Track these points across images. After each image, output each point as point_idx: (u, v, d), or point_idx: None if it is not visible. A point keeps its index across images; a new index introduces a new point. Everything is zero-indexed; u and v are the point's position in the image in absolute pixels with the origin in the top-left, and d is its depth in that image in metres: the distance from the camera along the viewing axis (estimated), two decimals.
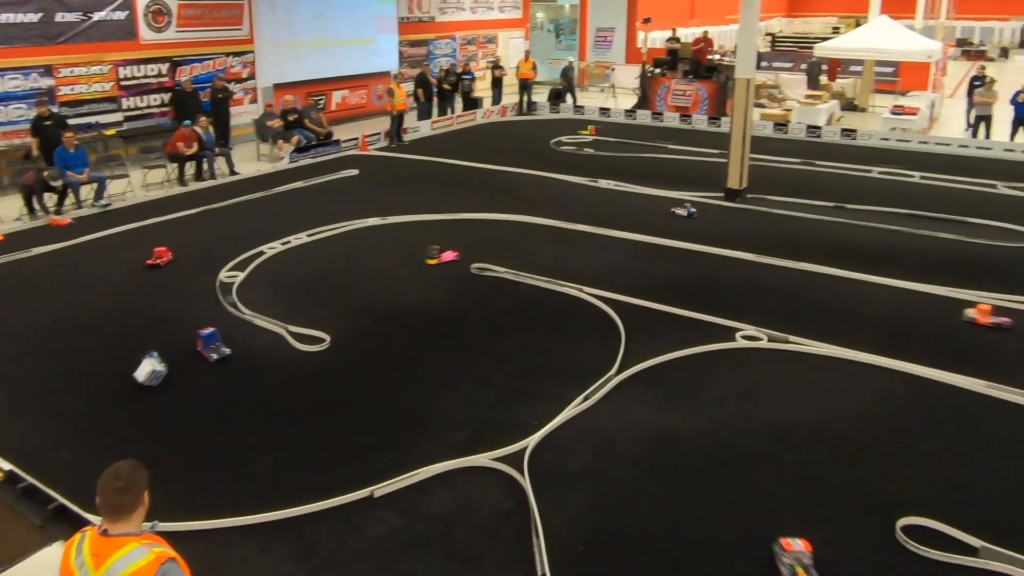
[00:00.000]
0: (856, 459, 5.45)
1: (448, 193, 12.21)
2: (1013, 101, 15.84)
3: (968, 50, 38.72)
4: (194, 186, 12.69)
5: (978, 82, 16.68)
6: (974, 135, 16.37)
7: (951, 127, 18.26)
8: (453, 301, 8.08)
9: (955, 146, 15.82)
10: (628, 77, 23.78)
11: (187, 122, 12.96)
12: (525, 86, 20.11)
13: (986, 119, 16.29)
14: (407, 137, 16.36)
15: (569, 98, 20.73)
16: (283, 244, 9.70)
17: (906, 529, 4.68)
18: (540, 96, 21.12)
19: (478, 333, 7.37)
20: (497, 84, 20.45)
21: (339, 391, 6.32)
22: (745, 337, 7.21)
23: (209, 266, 8.87)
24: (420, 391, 6.30)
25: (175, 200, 11.86)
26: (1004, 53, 38.97)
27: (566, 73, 21.41)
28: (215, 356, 6.76)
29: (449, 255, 9.18)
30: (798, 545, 4.41)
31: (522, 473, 5.15)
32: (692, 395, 6.27)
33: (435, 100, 18.29)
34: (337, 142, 15.16)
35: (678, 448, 5.54)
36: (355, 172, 13.58)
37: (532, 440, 5.52)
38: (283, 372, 6.60)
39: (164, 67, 14.68)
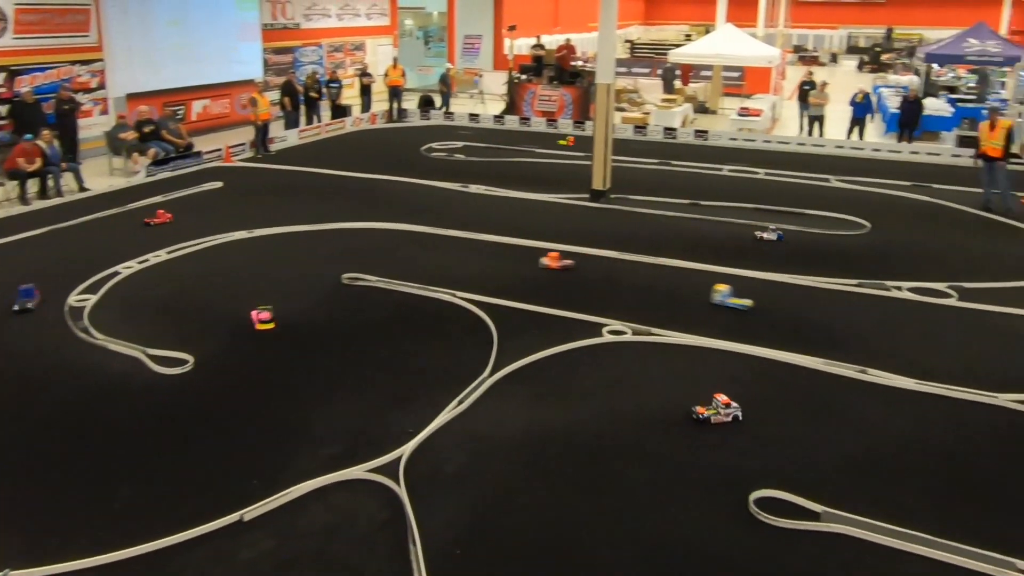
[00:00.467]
0: (712, 440, 5.74)
1: (318, 203, 11.91)
2: (852, 103, 17.18)
3: (804, 55, 41.73)
4: (38, 204, 11.74)
5: (808, 86, 17.99)
6: (809, 134, 17.63)
7: (791, 127, 19.61)
8: (324, 313, 7.88)
9: (794, 144, 17.02)
10: (496, 83, 24.03)
11: (28, 136, 11.97)
12: (395, 93, 19.92)
13: (819, 119, 17.60)
14: (273, 147, 15.83)
15: (440, 103, 20.71)
16: (140, 263, 9.14)
17: (758, 501, 4.97)
18: (410, 103, 20.98)
19: (351, 344, 7.22)
20: (366, 92, 20.15)
21: (204, 413, 6.02)
22: (611, 332, 7.44)
23: (57, 290, 8.22)
24: (291, 407, 6.10)
25: (16, 220, 10.92)
26: (834, 58, 42.29)
27: (444, 79, 21.39)
28: (16, 308, 7.25)
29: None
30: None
31: (397, 482, 5.09)
32: (563, 391, 6.41)
33: (302, 109, 17.78)
34: (198, 154, 14.45)
35: (551, 444, 5.64)
36: (219, 185, 12.99)
37: (407, 448, 5.47)
38: (142, 398, 6.21)
39: (0, 77, 13.50)
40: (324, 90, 18.50)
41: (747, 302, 8.19)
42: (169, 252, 9.52)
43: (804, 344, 7.23)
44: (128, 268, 8.97)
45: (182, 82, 17.16)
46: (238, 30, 18.64)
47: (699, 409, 5.99)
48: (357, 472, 5.21)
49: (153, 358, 6.78)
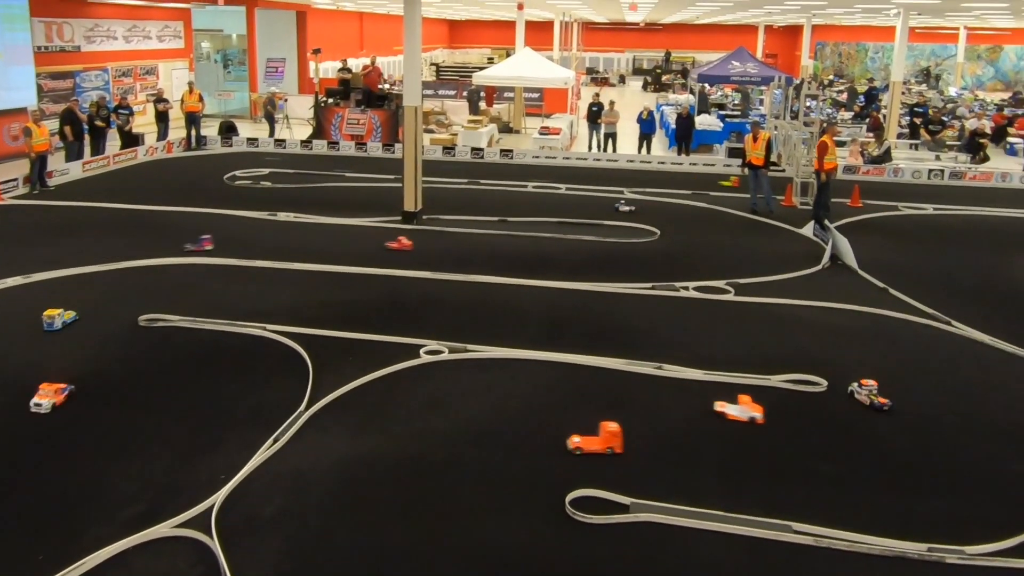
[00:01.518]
0: (528, 447, 5.89)
1: (109, 241, 10.88)
2: (639, 120, 18.46)
3: (595, 77, 44.41)
4: None
5: (596, 107, 19.08)
6: (603, 150, 18.74)
7: (587, 144, 20.73)
8: (118, 360, 7.19)
9: (590, 160, 18.02)
10: (302, 107, 23.31)
11: None
12: (192, 120, 18.72)
13: (612, 136, 18.78)
14: (52, 182, 14.26)
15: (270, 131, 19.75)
16: None
17: (574, 502, 5.16)
18: (210, 130, 19.81)
19: (150, 392, 6.65)
20: (163, 118, 18.77)
21: None
22: (428, 352, 7.43)
23: None
24: (81, 468, 5.49)
25: None
26: (622, 79, 45.39)
27: (272, 103, 20.41)
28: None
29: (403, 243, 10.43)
30: None
31: (210, 534, 4.74)
32: (382, 417, 6.30)
33: (86, 138, 16.20)
34: None
35: (372, 472, 5.52)
36: None
37: (219, 496, 5.11)
38: None
39: None
40: (112, 117, 16.98)
41: None
42: None
43: (605, 347, 7.63)
44: None
45: None
46: (6, 52, 16.67)
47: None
48: (163, 530, 4.79)
49: None
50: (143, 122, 19.63)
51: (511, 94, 24.39)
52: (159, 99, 19.13)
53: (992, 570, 4.68)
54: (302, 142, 19.32)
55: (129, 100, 18.47)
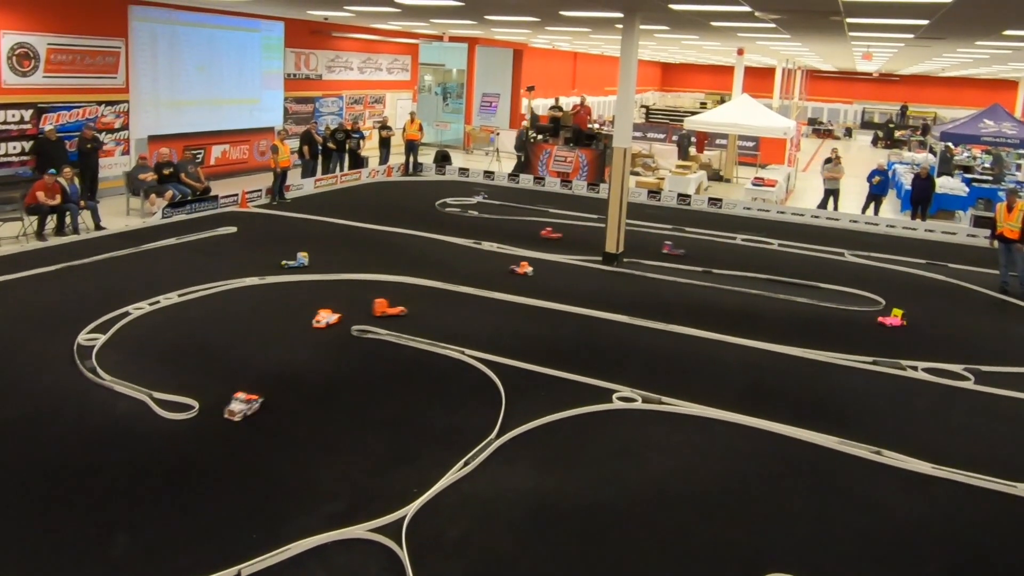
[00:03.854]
0: (721, 516, 5.66)
1: (330, 253, 12.04)
2: (869, 180, 17.40)
3: (818, 128, 42.44)
4: (54, 240, 11.92)
5: (829, 163, 18.17)
6: (823, 207, 17.79)
7: (805, 199, 19.82)
8: (332, 365, 7.90)
9: (808, 216, 17.18)
10: (513, 141, 24.42)
11: (52, 171, 12.23)
12: (411, 147, 20.31)
13: (834, 193, 17.80)
14: (289, 195, 16.08)
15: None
16: (151, 305, 9.22)
17: None
18: (427, 157, 21.36)
19: (358, 398, 7.22)
20: (385, 144, 20.56)
21: (206, 461, 6.00)
22: (620, 398, 7.42)
23: (67, 328, 8.29)
24: (294, 460, 6.07)
25: (32, 255, 11.08)
26: (848, 132, 42.98)
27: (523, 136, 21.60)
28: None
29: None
30: None
31: (400, 544, 5.03)
32: (570, 457, 6.36)
33: (320, 158, 18.13)
34: (215, 198, 14.70)
35: (557, 511, 5.58)
36: (233, 229, 13.18)
37: (411, 509, 5.42)
38: (145, 442, 6.20)
39: (27, 113, 13.86)
40: (349, 141, 18.82)
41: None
42: (180, 296, 9.61)
43: (815, 421, 7.18)
44: (139, 309, 9.04)
45: (203, 126, 17.58)
46: (262, 78, 19.16)
47: None
48: (359, 531, 5.16)
49: (159, 402, 6.79)
50: (368, 147, 21.57)
51: (723, 141, 23.96)
52: (384, 126, 20.97)
53: None
54: (509, 175, 20.23)
55: (359, 126, 20.41)
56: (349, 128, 19.23)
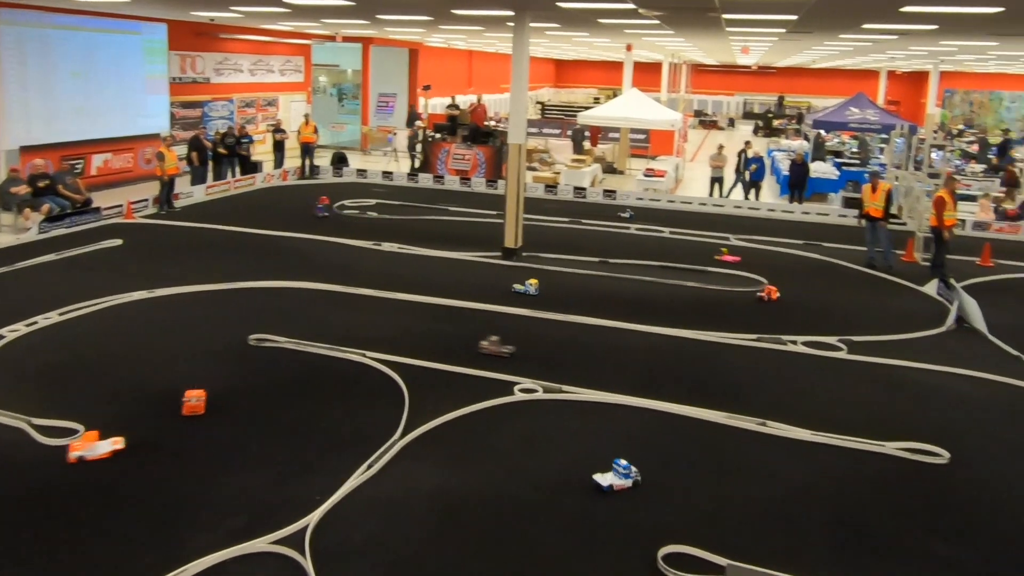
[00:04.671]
0: (622, 497, 5.80)
1: (225, 261, 11.60)
2: (747, 167, 18.12)
3: (704, 120, 44.05)
4: None
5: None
6: (710, 194, 18.49)
7: (693, 187, 20.53)
8: (228, 377, 7.61)
9: (696, 204, 17.81)
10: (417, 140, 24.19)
11: None
12: (307, 150, 19.80)
13: (719, 180, 18.52)
14: (178, 203, 15.37)
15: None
16: (28, 326, 8.63)
17: (666, 557, 5.03)
18: (323, 160, 20.88)
19: (257, 409, 6.99)
20: (279, 148, 19.95)
21: (94, 487, 5.66)
22: (522, 390, 7.48)
23: None
24: (189, 478, 5.82)
25: None
26: (731, 123, 44.80)
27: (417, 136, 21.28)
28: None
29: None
30: None
31: (303, 554, 4.90)
32: (475, 451, 6.37)
33: (210, 164, 17.41)
34: (96, 210, 13.88)
35: (463, 506, 5.58)
36: (118, 242, 12.49)
37: (314, 517, 5.29)
38: (25, 472, 5.80)
39: None
40: (239, 146, 18.15)
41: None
42: (61, 314, 9.02)
43: (707, 398, 7.45)
44: (14, 332, 8.44)
45: (82, 135, 16.56)
46: (145, 83, 18.22)
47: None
48: (260, 545, 5.00)
49: (38, 428, 6.36)
50: (262, 150, 20.91)
51: (616, 134, 24.52)
52: (277, 129, 20.36)
53: None
54: (408, 174, 20.04)
55: (249, 130, 19.69)
56: (239, 133, 18.54)
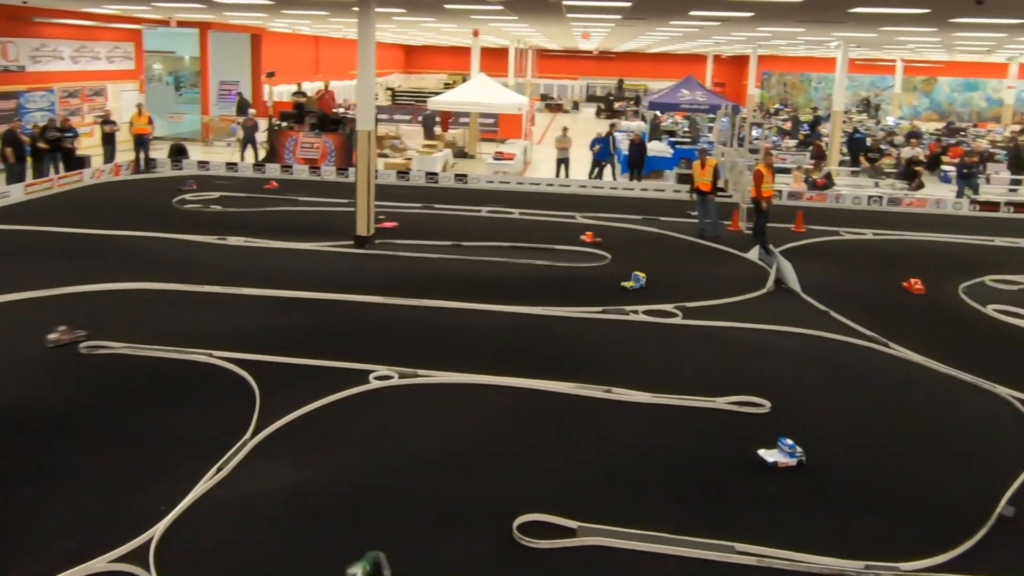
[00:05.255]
0: (478, 473, 5.88)
1: (51, 265, 10.59)
2: (591, 148, 18.72)
3: (550, 103, 44.98)
4: None
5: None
6: (556, 175, 18.95)
7: (541, 169, 20.95)
8: (61, 389, 6.98)
9: (544, 185, 18.21)
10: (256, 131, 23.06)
11: None
12: (141, 142, 18.38)
13: (565, 161, 19.01)
14: None
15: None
16: None
17: (521, 527, 5.15)
18: (160, 152, 19.48)
19: (93, 420, 6.46)
20: (109, 140, 18.39)
21: None
22: (377, 378, 7.38)
23: None
24: (14, 499, 5.30)
25: None
26: (576, 106, 46.06)
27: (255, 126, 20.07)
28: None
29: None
30: None
31: (148, 569, 4.61)
32: (330, 444, 6.23)
33: (29, 161, 15.76)
34: None
35: (319, 500, 5.44)
36: None
37: (158, 528, 4.98)
38: None
39: None
40: (63, 140, 16.51)
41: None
42: None
43: (556, 371, 7.68)
44: None
45: None
46: None
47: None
48: (99, 564, 4.65)
49: None
50: (89, 144, 19.20)
51: (466, 119, 24.56)
52: (106, 121, 18.75)
53: None
54: (254, 165, 19.12)
55: (73, 122, 17.98)
56: (61, 126, 16.91)
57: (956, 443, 6.69)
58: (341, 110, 25.25)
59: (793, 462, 6.17)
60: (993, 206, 17.15)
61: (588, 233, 13.32)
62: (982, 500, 5.67)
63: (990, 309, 10.18)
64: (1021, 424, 6.97)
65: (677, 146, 21.86)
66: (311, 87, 27.92)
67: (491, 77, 22.78)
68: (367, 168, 12.58)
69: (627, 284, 10.55)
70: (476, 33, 24.53)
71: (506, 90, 23.16)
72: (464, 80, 32.98)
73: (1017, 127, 30.24)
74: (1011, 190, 19.35)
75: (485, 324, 9.08)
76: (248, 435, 6.20)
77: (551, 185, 18.25)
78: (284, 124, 20.61)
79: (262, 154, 20.42)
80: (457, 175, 18.43)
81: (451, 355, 8.02)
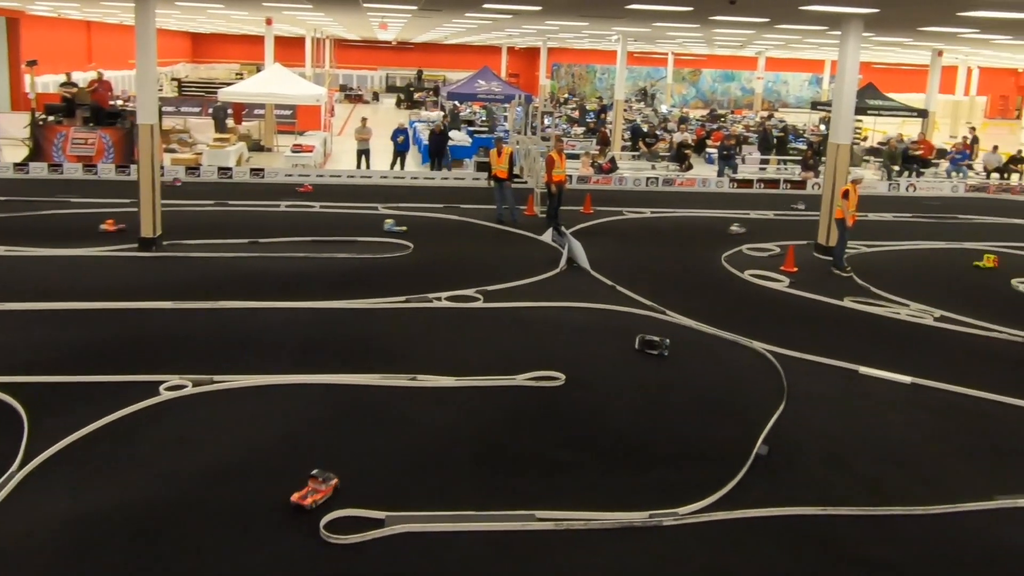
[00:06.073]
0: (282, 476, 5.60)
1: None
2: (393, 139, 18.48)
3: (350, 94, 43.90)
4: None
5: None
6: (357, 167, 18.54)
7: (342, 161, 20.37)
8: None
9: (345, 177, 17.74)
10: (15, 126, 20.26)
11: None
12: None
13: (366, 153, 18.63)
14: None
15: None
16: None
17: (328, 524, 5.00)
18: None
19: None
20: None
21: None
22: (168, 388, 6.81)
23: None
24: None
25: None
26: (376, 96, 45.32)
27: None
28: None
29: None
30: None
31: None
32: (116, 465, 5.66)
33: None
34: None
35: (106, 526, 4.93)
36: None
37: None
38: None
39: None
40: None
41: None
42: None
43: (362, 363, 7.53)
44: None
45: None
46: None
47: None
48: None
49: None
50: None
51: (261, 111, 23.26)
52: None
53: (699, 524, 5.30)
54: (16, 165, 16.81)
55: None
56: None
57: (723, 394, 7.43)
58: (119, 102, 22.89)
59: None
60: (748, 183, 19.20)
61: (109, 221, 12.14)
62: (744, 442, 6.33)
63: (747, 274, 11.40)
64: (773, 373, 7.86)
65: (475, 135, 22.20)
66: (83, 77, 24.98)
67: (287, 67, 21.72)
68: (151, 165, 11.52)
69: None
70: (269, 21, 23.25)
71: (303, 81, 22.20)
72: (258, 70, 31.18)
73: (765, 113, 34.06)
74: (761, 168, 21.78)
75: (286, 322, 8.69)
76: (15, 466, 5.46)
77: (352, 176, 17.81)
78: (51, 118, 18.30)
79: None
80: (253, 169, 17.41)
81: (251, 357, 7.60)
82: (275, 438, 6.18)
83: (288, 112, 24.12)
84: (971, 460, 6.34)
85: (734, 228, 14.28)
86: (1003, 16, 11.58)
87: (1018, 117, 39.06)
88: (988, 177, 20.81)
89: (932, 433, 6.80)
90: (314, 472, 5.40)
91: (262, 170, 17.35)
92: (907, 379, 7.74)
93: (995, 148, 22.21)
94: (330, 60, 41.74)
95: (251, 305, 9.04)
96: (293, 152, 18.76)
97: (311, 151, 18.82)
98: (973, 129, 27.11)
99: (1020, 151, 22.43)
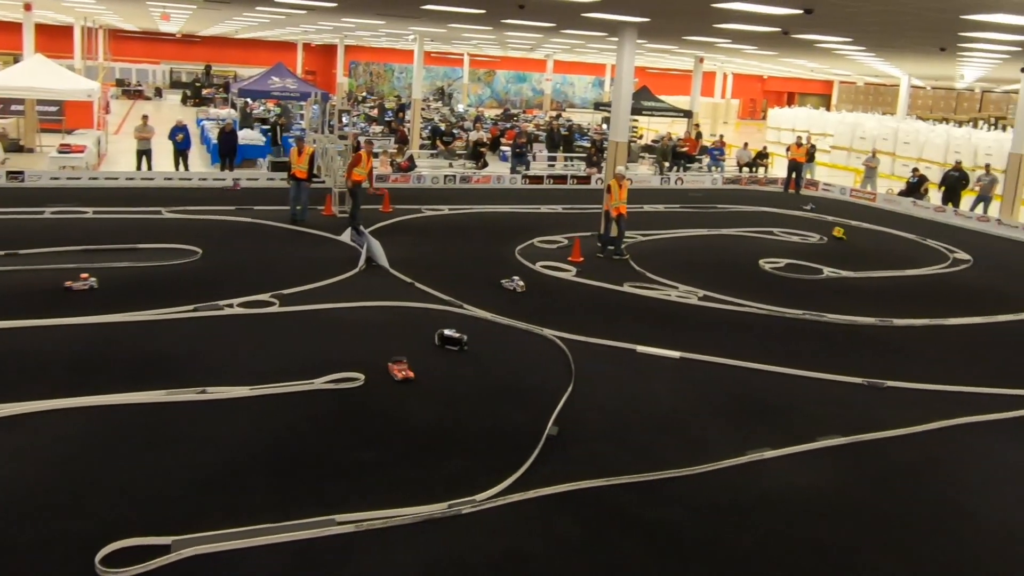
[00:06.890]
0: (51, 512, 4.98)
1: None
2: (172, 138, 16.96)
3: (128, 90, 39.82)
4: None
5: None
6: (138, 168, 16.87)
7: (120, 162, 18.42)
8: None
9: (123, 179, 16.06)
10: None
11: None
12: None
13: (147, 153, 16.98)
14: None
15: None
16: None
17: (105, 558, 4.51)
18: None
19: None
20: None
21: None
22: None
23: None
24: None
25: None
26: (159, 92, 41.50)
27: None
28: None
29: None
30: None
31: None
32: None
33: None
34: None
35: None
36: None
37: None
38: None
39: None
40: None
41: None
42: None
43: (145, 381, 6.87)
44: None
45: None
46: None
47: None
48: None
49: None
50: None
51: (20, 107, 20.35)
52: None
53: (497, 509, 5.43)
54: None
55: None
56: None
57: (517, 381, 7.67)
58: None
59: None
60: (538, 179, 20.06)
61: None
62: (536, 425, 6.59)
63: (538, 265, 11.91)
64: (563, 357, 8.26)
65: (271, 134, 21.07)
66: None
67: (51, 59, 19.17)
68: None
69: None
70: (28, 7, 20.39)
71: (71, 74, 19.76)
72: (16, 61, 27.22)
73: (554, 113, 35.74)
74: (550, 165, 22.84)
75: (56, 341, 7.70)
76: None
77: (131, 179, 16.15)
78: None
79: None
80: (10, 172, 15.19)
81: (11, 384, 6.63)
82: (41, 471, 5.46)
83: (54, 109, 21.32)
84: (728, 422, 7.09)
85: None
86: (747, 29, 13.14)
87: (763, 118, 44.45)
88: (740, 171, 23.44)
89: (696, 401, 7.51)
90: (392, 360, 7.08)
91: (22, 173, 15.19)
92: (676, 354, 8.49)
93: (745, 145, 25.07)
94: (104, 52, 37.53)
95: (9, 324, 7.89)
96: (60, 153, 16.62)
97: (82, 151, 16.79)
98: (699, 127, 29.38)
99: (765, 148, 25.53)
